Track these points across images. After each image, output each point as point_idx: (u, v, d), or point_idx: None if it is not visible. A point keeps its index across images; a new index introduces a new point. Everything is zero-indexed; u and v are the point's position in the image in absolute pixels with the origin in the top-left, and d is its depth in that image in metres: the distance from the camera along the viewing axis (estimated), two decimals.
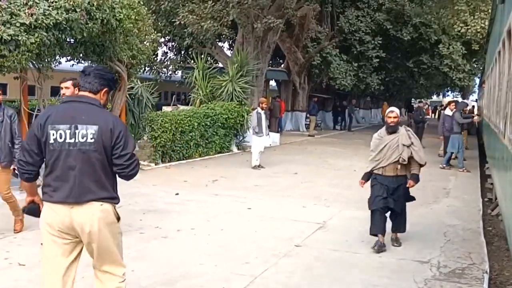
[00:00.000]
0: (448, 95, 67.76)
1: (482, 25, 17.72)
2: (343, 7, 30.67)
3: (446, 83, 37.75)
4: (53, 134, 3.58)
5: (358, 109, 42.80)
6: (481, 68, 36.83)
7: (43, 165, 3.73)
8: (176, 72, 28.37)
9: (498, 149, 9.21)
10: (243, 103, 18.66)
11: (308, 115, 29.90)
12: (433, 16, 24.46)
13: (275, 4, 21.61)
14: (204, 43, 22.25)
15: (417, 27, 29.53)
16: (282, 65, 32.42)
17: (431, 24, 28.40)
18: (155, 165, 13.70)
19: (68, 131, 3.58)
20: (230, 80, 18.35)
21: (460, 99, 45.55)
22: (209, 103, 17.90)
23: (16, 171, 3.94)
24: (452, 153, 15.57)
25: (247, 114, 17.93)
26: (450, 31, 23.18)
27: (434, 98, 69.28)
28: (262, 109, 14.98)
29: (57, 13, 8.84)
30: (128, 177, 3.75)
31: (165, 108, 19.19)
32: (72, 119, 3.60)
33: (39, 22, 8.62)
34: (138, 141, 17.49)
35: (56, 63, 10.46)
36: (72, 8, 9.07)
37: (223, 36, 22.31)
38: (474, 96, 56.42)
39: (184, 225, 7.78)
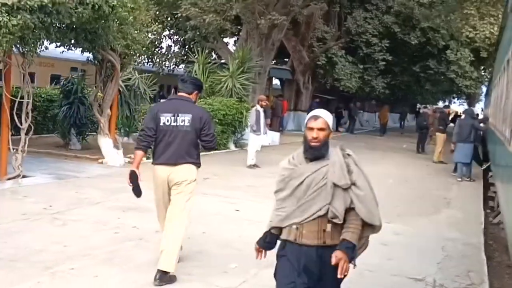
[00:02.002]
0: (454, 102, 67.17)
1: (491, 30, 17.18)
2: (351, 8, 30.20)
3: (452, 89, 37.14)
4: (163, 119, 5.29)
5: (362, 112, 42.26)
6: (488, 76, 36.30)
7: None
8: (179, 66, 27.90)
9: (504, 156, 8.81)
10: (242, 100, 18.15)
11: None
12: (441, 21, 23.94)
13: (281, 1, 21.15)
14: (207, 37, 21.78)
15: (425, 32, 29.04)
16: (287, 64, 31.93)
17: (440, 29, 27.91)
18: (146, 159, 13.15)
19: (172, 118, 5.28)
20: (230, 75, 17.85)
21: (466, 107, 44.98)
22: (208, 98, 17.39)
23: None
24: (469, 163, 14.84)
25: (247, 111, 17.42)
26: (458, 36, 22.66)
27: (440, 104, 68.55)
28: (261, 106, 14.47)
29: None
30: (211, 148, 5.68)
31: (163, 101, 18.72)
32: (175, 110, 5.31)
33: (23, 3, 8.09)
34: (133, 134, 17.05)
35: (42, 47, 9.91)
36: None
37: (227, 31, 21.82)
38: (480, 104, 55.78)
39: None
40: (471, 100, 54.89)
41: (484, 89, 40.88)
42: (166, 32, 27.39)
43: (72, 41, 10.66)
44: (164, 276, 5.10)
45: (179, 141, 5.24)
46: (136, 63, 23.37)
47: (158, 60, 25.68)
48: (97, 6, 9.59)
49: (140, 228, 7.03)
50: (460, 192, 12.84)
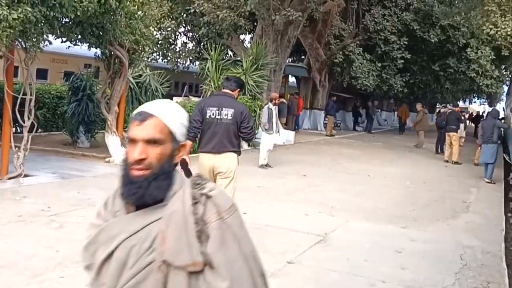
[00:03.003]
0: (475, 102, 66.09)
1: None
2: (369, 5, 29.62)
3: (472, 89, 36.38)
4: (208, 112, 6.01)
5: (379, 110, 41.62)
6: (510, 75, 35.42)
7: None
8: (195, 63, 27.54)
9: None
10: (256, 97, 17.77)
11: (326, 115, 28.88)
12: (462, 18, 23.32)
13: None
14: (221, 34, 21.40)
15: (445, 29, 28.40)
16: (303, 61, 31.46)
17: (460, 27, 27.28)
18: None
19: (217, 111, 6.00)
20: (244, 73, 17.46)
21: (487, 106, 44.12)
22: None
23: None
24: (493, 164, 14.65)
25: (260, 109, 17.04)
26: (478, 33, 22.03)
27: (461, 104, 67.48)
28: (274, 104, 14.11)
29: None
30: (248, 140, 7.00)
31: (175, 99, 18.45)
32: (219, 104, 6.04)
33: None
34: None
35: (45, 42, 9.60)
36: None
37: (242, 28, 21.42)
38: (501, 104, 54.78)
39: None
40: (492, 99, 53.90)
41: (505, 88, 40.05)
42: (182, 29, 27.07)
43: (79, 36, 10.36)
44: None
45: (222, 132, 5.98)
46: (148, 60, 23.14)
47: (171, 57, 25.26)
48: (103, 0, 9.29)
49: None
50: (480, 195, 12.34)
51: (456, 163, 17.92)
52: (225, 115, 6.00)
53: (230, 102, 6.10)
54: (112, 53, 11.44)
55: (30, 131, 9.53)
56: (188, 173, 5.77)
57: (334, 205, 9.60)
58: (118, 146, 11.79)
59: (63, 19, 9.36)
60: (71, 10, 8.74)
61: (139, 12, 11.21)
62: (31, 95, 9.39)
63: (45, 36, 9.30)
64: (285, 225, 7.79)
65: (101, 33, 10.47)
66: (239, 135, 6.19)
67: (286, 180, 12.08)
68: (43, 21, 8.51)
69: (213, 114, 5.99)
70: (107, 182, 9.78)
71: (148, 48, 12.48)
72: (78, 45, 11.05)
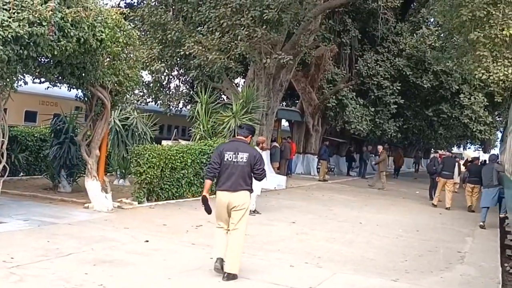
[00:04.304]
0: (469, 148, 65.95)
1: (506, 73, 16.31)
2: (362, 50, 29.79)
3: (466, 134, 36.24)
4: (226, 156, 6.94)
5: (373, 155, 41.35)
6: (503, 121, 35.30)
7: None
8: (187, 106, 27.30)
9: None
10: None
11: (319, 159, 28.50)
12: (454, 64, 23.29)
13: (290, 42, 20.58)
14: (213, 77, 21.15)
15: (437, 75, 28.52)
16: (296, 105, 31.31)
17: (452, 73, 27.31)
18: (138, 203, 12.35)
19: (233, 155, 6.95)
20: (234, 116, 17.12)
21: (482, 152, 44.03)
22: (210, 139, 16.65)
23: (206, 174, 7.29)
24: (488, 208, 14.71)
25: None
26: (471, 79, 21.96)
27: (455, 150, 67.26)
28: (262, 149, 13.72)
29: (19, 25, 7.68)
30: (261, 179, 7.43)
31: (164, 142, 18.05)
32: (236, 149, 7.00)
33: None
34: (129, 176, 16.28)
35: (19, 83, 9.18)
36: (38, 21, 7.93)
37: (232, 71, 21.20)
38: (495, 150, 54.61)
39: (135, 283, 6.36)
40: (486, 145, 53.73)
41: (499, 134, 39.92)
42: (175, 72, 26.91)
43: (58, 77, 10.00)
44: (230, 276, 6.77)
45: (238, 173, 6.86)
46: (138, 102, 22.83)
47: (162, 99, 24.94)
48: (82, 40, 8.97)
49: (106, 287, 6.14)
50: (475, 244, 11.85)
51: (447, 208, 17.79)
52: (240, 158, 6.89)
53: (245, 147, 7.06)
54: (94, 94, 11.06)
55: (1, 175, 9.03)
56: (208, 209, 6.95)
57: (321, 255, 9.10)
58: (98, 192, 11.28)
59: (39, 58, 8.99)
60: (47, 49, 8.41)
61: (130, 54, 10.93)
62: (3, 138, 8.93)
63: (20, 76, 8.91)
64: (267, 278, 7.26)
65: (82, 74, 10.13)
66: (252, 175, 7.05)
67: (273, 227, 11.57)
68: (16, 60, 8.13)
69: (230, 157, 6.89)
70: (81, 229, 9.26)
71: (132, 89, 12.13)
72: (57, 86, 10.69)
